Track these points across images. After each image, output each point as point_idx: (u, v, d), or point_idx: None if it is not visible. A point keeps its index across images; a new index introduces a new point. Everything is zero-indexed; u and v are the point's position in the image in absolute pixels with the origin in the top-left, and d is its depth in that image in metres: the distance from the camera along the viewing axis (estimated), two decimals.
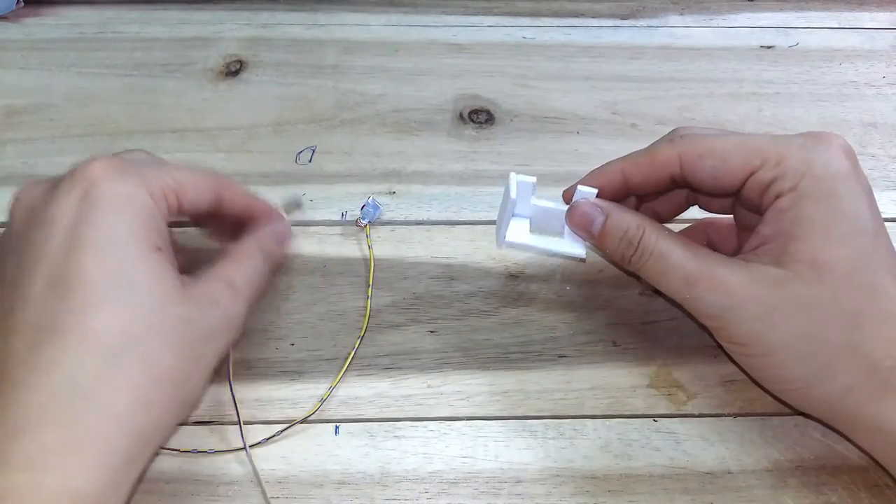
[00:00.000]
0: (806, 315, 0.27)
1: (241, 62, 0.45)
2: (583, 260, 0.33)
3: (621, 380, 0.33)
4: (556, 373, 0.33)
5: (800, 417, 0.32)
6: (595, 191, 0.31)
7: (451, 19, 0.48)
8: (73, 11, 0.48)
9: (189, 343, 0.26)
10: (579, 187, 0.31)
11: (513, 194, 0.31)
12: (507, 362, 0.33)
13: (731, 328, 0.28)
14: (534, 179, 0.31)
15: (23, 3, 0.48)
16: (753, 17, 0.49)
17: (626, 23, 0.48)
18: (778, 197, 0.28)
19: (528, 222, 0.32)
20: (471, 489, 0.30)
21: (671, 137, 0.30)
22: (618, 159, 0.31)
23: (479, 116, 0.43)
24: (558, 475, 0.30)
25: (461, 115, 0.43)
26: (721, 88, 0.45)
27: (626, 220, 0.30)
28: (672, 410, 0.32)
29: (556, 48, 0.47)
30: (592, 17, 0.49)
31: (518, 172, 0.31)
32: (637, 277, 0.35)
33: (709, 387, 0.33)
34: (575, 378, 0.33)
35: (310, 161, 0.41)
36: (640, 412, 0.32)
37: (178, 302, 0.26)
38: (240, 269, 0.29)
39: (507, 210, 0.32)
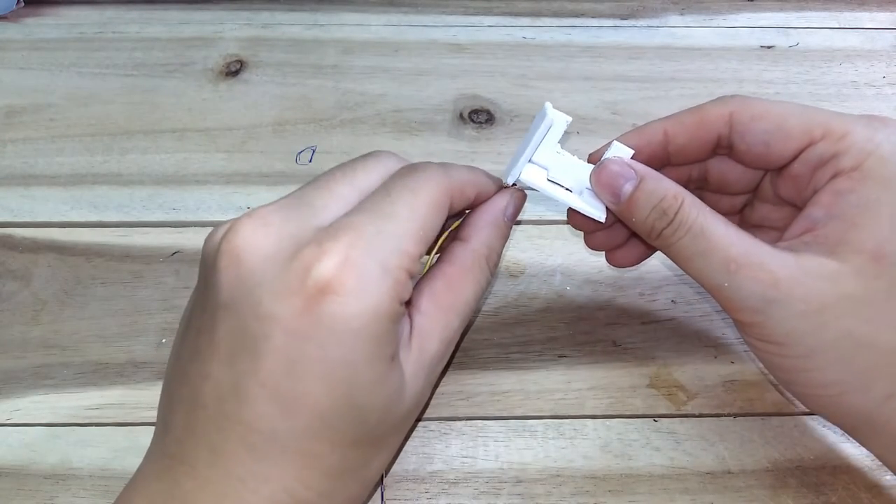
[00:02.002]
0: (856, 314, 0.24)
1: (241, 62, 0.45)
2: (602, 223, 0.29)
3: (621, 380, 0.33)
4: (556, 373, 0.33)
5: (800, 417, 0.32)
6: (631, 151, 0.28)
7: (451, 19, 0.48)
8: (73, 11, 0.48)
9: (399, 441, 0.26)
10: (615, 142, 0.28)
11: (549, 114, 0.27)
12: (507, 362, 0.33)
13: (772, 325, 0.25)
14: (569, 119, 0.27)
15: (23, 3, 0.48)
16: (753, 17, 0.49)
17: (626, 23, 0.48)
18: (836, 176, 0.25)
19: (545, 172, 0.28)
20: (471, 489, 0.30)
21: (721, 99, 0.28)
22: (660, 119, 0.29)
23: (479, 116, 0.43)
24: (558, 475, 0.30)
25: (461, 115, 0.43)
26: (721, 88, 0.44)
27: (663, 187, 0.26)
28: (672, 410, 0.32)
29: (557, 48, 0.47)
30: (592, 17, 0.49)
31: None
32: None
33: (709, 387, 0.33)
34: (575, 378, 0.33)
35: (310, 161, 0.41)
36: (640, 412, 0.32)
37: (399, 413, 0.24)
38: (456, 307, 0.26)
39: (532, 141, 0.27)
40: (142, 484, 0.24)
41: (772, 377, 0.33)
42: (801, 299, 0.24)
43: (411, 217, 0.23)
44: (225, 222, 0.24)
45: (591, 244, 0.32)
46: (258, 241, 0.22)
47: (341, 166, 0.25)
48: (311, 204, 0.23)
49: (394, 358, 0.23)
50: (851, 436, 0.28)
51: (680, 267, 0.27)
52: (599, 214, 0.28)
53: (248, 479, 0.22)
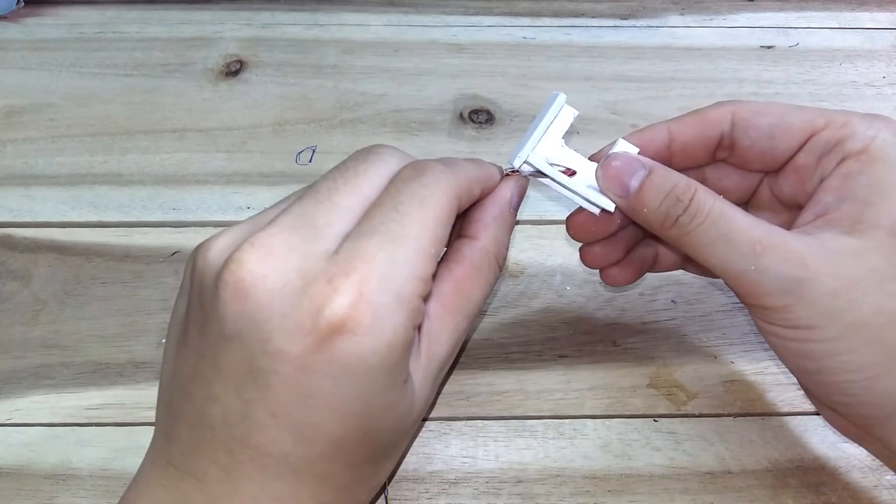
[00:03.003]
0: (885, 289, 0.24)
1: (241, 62, 0.45)
2: (610, 213, 0.28)
3: (621, 380, 0.33)
4: (556, 373, 0.33)
5: (800, 417, 0.32)
6: (636, 149, 0.27)
7: (451, 19, 0.48)
8: (73, 11, 0.48)
9: (405, 445, 0.27)
10: (620, 140, 0.28)
11: (560, 99, 0.27)
12: (507, 362, 0.33)
13: (803, 307, 0.24)
14: (576, 112, 0.27)
15: (23, 3, 0.48)
16: (753, 17, 0.49)
17: (626, 23, 0.48)
18: (843, 160, 0.25)
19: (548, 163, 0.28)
20: (471, 489, 0.30)
21: (719, 103, 0.28)
22: (663, 121, 0.29)
23: (479, 116, 0.43)
24: (558, 475, 0.30)
25: (461, 115, 0.43)
26: (721, 88, 0.44)
27: (674, 176, 0.26)
28: (672, 410, 0.32)
29: (556, 48, 0.47)
30: (592, 17, 0.49)
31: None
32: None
33: (709, 387, 0.33)
34: (575, 378, 0.33)
35: (310, 161, 0.41)
36: (640, 412, 0.32)
37: (409, 423, 0.24)
38: (465, 309, 0.25)
39: (541, 124, 0.27)
40: (146, 490, 0.24)
41: (771, 378, 0.33)
42: (831, 277, 0.24)
43: (422, 234, 0.22)
44: (216, 236, 0.23)
45: (588, 259, 0.31)
46: (264, 274, 0.21)
47: (342, 170, 0.24)
48: (314, 224, 0.22)
49: (406, 380, 0.23)
50: (876, 430, 0.26)
51: (696, 256, 0.26)
52: (608, 203, 0.27)
53: (261, 497, 0.22)
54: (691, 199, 0.25)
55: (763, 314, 0.26)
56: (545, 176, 0.28)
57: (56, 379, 0.33)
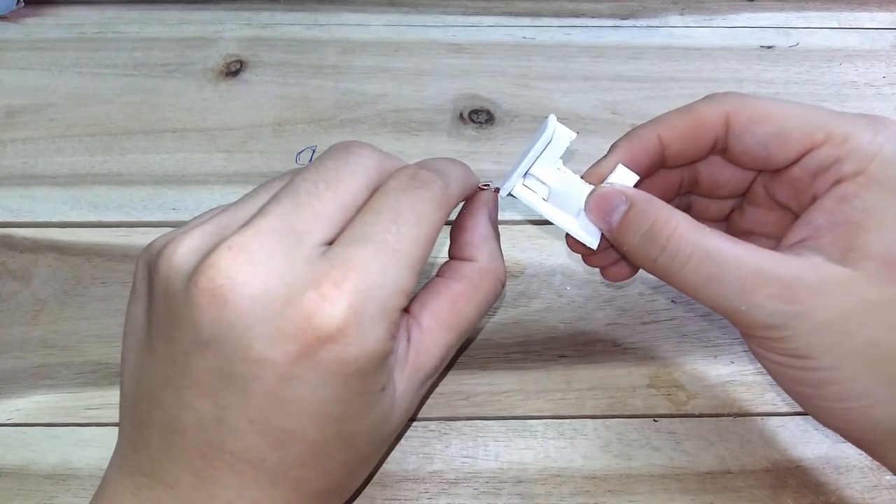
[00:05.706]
0: (879, 321, 0.23)
1: (241, 62, 0.45)
2: (592, 250, 0.28)
3: (621, 380, 0.33)
4: (556, 373, 0.33)
5: (800, 417, 0.32)
6: (635, 178, 0.27)
7: (451, 19, 0.48)
8: (73, 11, 0.48)
9: (382, 453, 0.27)
10: (620, 166, 0.27)
11: (550, 128, 0.26)
12: (506, 362, 0.33)
13: (797, 340, 0.24)
14: (573, 135, 0.27)
15: (23, 3, 0.48)
16: (753, 17, 0.49)
17: (626, 23, 0.48)
18: (839, 181, 0.24)
19: (545, 189, 0.28)
20: (471, 489, 0.30)
21: (712, 97, 0.27)
22: (651, 122, 0.28)
23: (479, 116, 0.43)
24: (558, 475, 0.30)
25: (461, 115, 0.43)
26: (721, 88, 0.44)
27: (653, 210, 0.25)
28: (672, 410, 0.32)
29: (556, 48, 0.47)
30: (592, 17, 0.49)
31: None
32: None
33: (709, 387, 0.33)
34: (575, 378, 0.33)
35: (310, 161, 0.41)
36: (640, 412, 0.32)
37: (387, 431, 0.24)
38: (458, 326, 0.25)
39: (528, 155, 0.27)
40: (114, 499, 0.23)
41: (770, 378, 0.33)
42: (823, 309, 0.23)
43: (414, 251, 0.22)
44: (175, 237, 0.22)
45: (589, 262, 0.31)
46: (244, 281, 0.21)
47: (321, 171, 0.23)
48: (294, 229, 0.22)
49: (384, 388, 0.23)
50: (873, 451, 0.26)
51: (687, 294, 0.25)
52: (592, 241, 0.27)
53: (237, 503, 0.22)
54: (669, 238, 0.24)
55: (759, 342, 0.25)
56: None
57: (56, 379, 0.33)
